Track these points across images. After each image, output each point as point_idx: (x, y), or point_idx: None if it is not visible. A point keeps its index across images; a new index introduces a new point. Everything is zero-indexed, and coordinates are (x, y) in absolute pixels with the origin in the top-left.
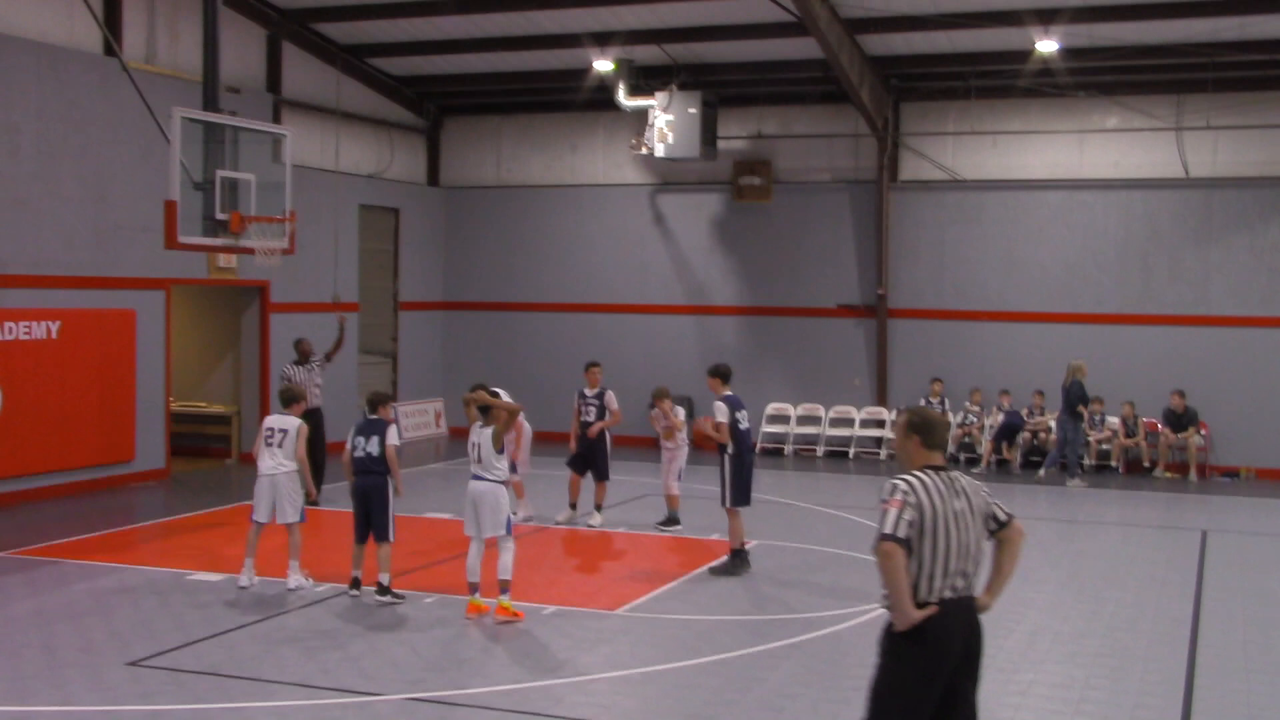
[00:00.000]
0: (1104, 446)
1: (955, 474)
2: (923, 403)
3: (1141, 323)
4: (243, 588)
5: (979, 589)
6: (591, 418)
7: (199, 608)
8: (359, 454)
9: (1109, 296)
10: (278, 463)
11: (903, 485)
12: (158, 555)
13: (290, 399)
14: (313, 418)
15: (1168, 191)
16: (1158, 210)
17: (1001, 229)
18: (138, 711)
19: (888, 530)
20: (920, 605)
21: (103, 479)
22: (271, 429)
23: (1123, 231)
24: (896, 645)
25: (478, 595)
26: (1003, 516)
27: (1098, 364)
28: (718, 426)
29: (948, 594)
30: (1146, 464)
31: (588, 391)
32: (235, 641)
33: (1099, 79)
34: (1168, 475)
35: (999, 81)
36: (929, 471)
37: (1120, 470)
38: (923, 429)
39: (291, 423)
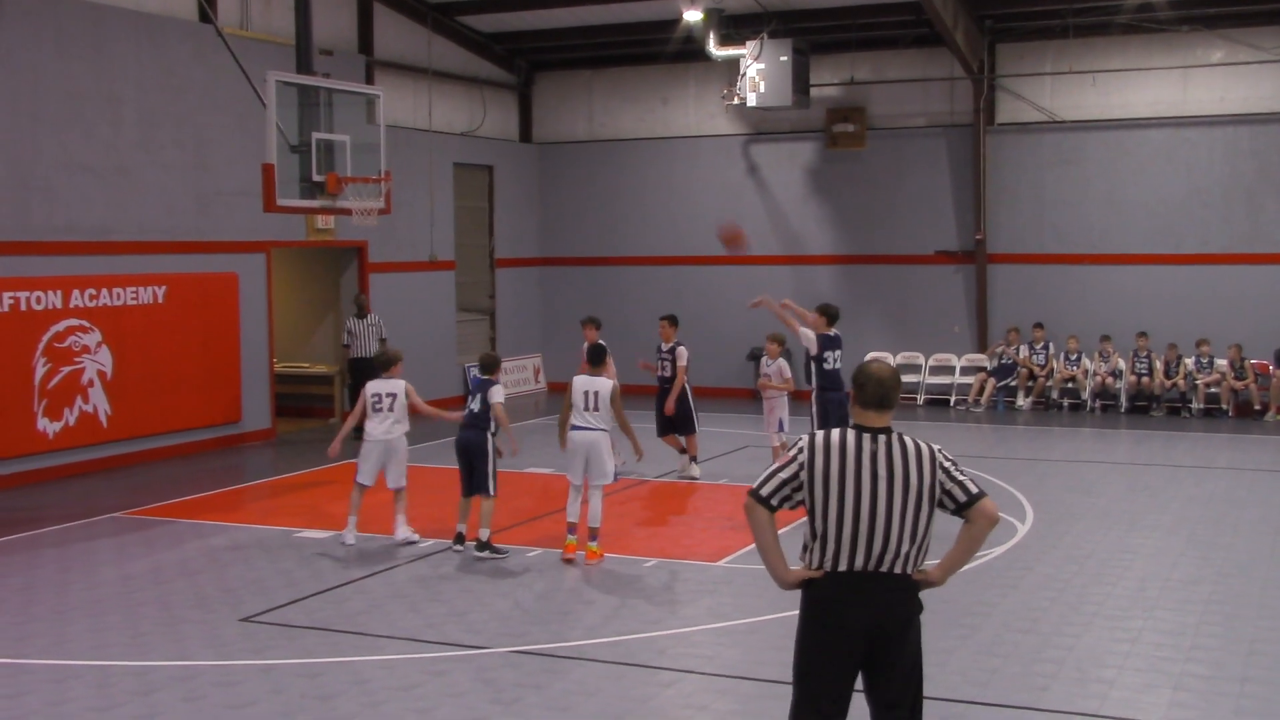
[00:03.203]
0: (1212, 390)
1: (895, 439)
2: (1024, 349)
3: (1249, 262)
4: (348, 545)
5: (909, 567)
6: (668, 373)
7: (307, 564)
8: (464, 410)
9: (1215, 236)
10: (388, 427)
11: (801, 442)
12: (266, 514)
13: (388, 362)
14: (367, 365)
15: (1276, 126)
16: (1266, 146)
17: (1102, 170)
18: (251, 665)
19: (754, 485)
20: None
21: (211, 440)
22: (378, 394)
23: (1229, 169)
24: (801, 612)
25: (574, 536)
26: (963, 497)
27: (1204, 305)
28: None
29: (856, 566)
30: (1257, 407)
31: (663, 346)
32: (343, 597)
33: (1202, 11)
34: (1279, 418)
35: (1097, 18)
36: (851, 431)
37: (1230, 413)
38: (858, 383)
39: (398, 385)
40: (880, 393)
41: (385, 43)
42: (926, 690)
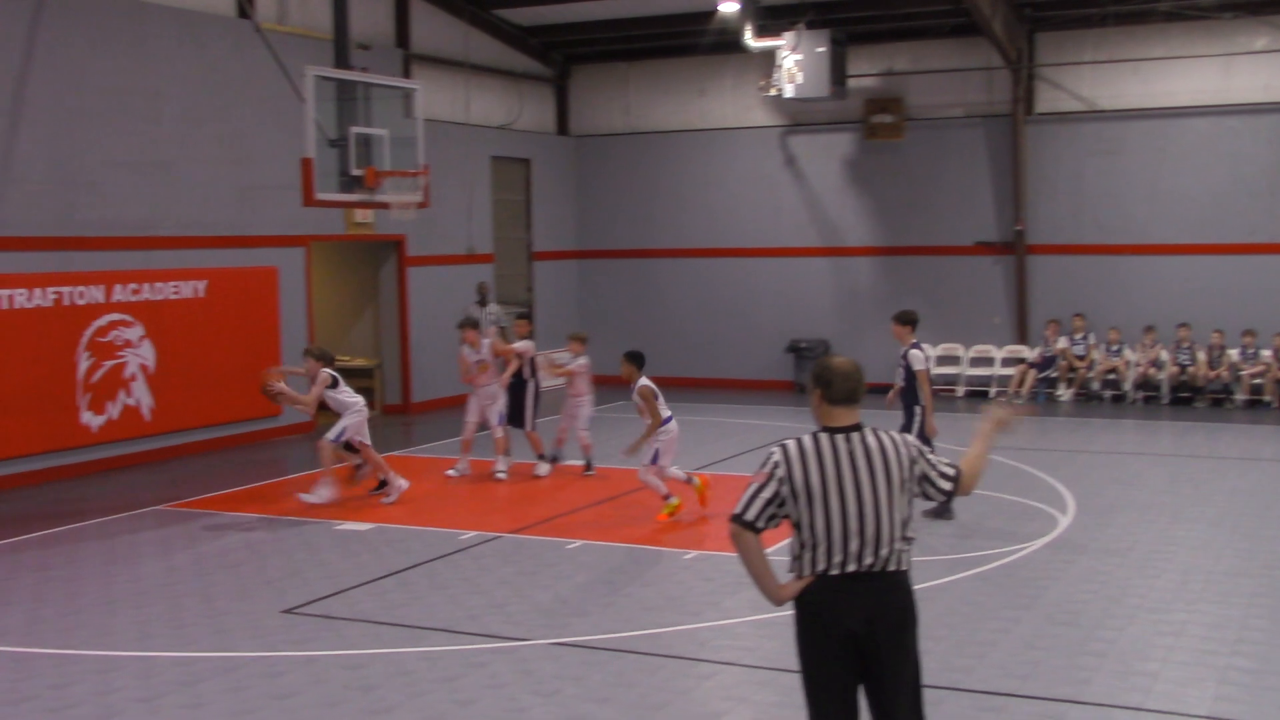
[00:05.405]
0: (1256, 380)
1: (870, 434)
2: (1064, 340)
3: None
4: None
5: (901, 562)
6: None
7: (348, 556)
8: None
9: (1260, 225)
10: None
11: (775, 456)
12: (307, 506)
13: None
14: None
15: None
16: None
17: (1144, 159)
18: (294, 657)
19: (736, 510)
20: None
21: (251, 433)
22: None
23: (1273, 157)
24: (796, 621)
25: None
26: (946, 486)
27: (1248, 296)
28: (917, 374)
29: (849, 569)
30: None
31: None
32: (385, 589)
33: None
34: None
35: (1138, 6)
36: (824, 434)
37: (1274, 404)
38: (823, 380)
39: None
40: (849, 387)
41: (422, 37)
42: (967, 683)
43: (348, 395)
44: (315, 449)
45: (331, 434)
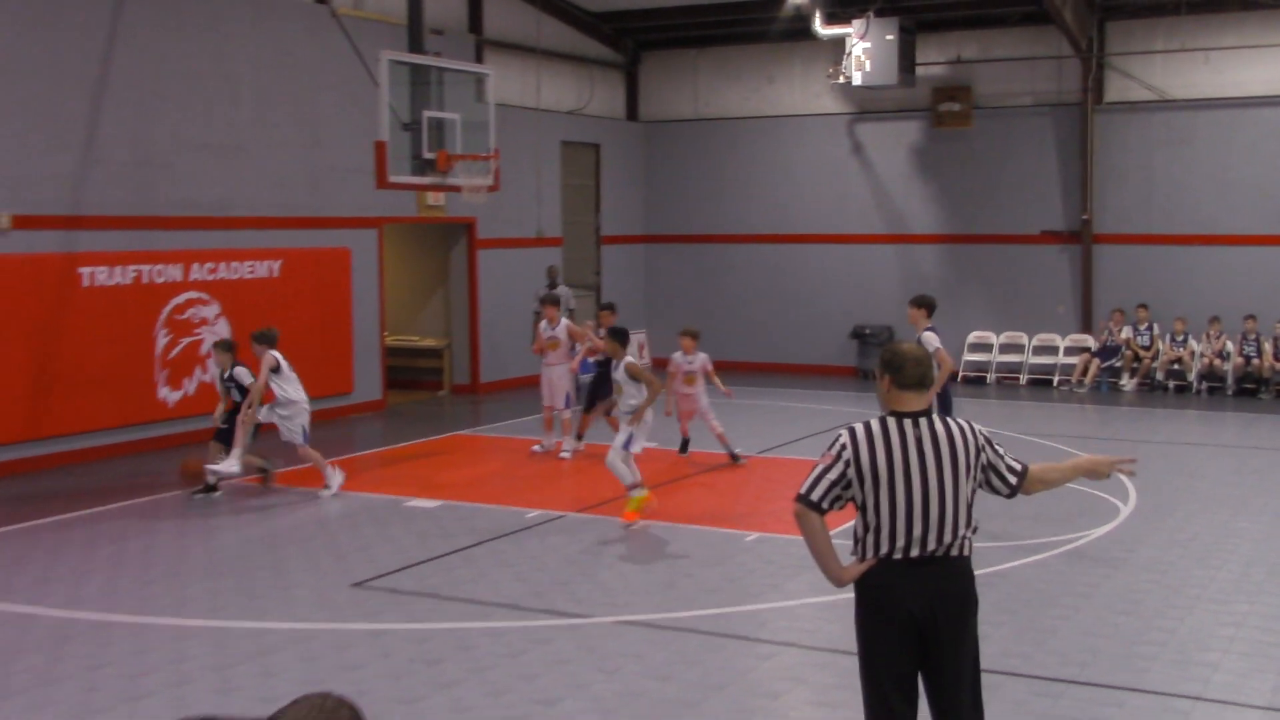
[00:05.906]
0: None
1: (937, 420)
2: (1128, 330)
3: None
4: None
5: (964, 549)
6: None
7: (416, 533)
8: None
9: None
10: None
11: (842, 438)
12: (377, 483)
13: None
14: None
15: None
16: None
17: (1214, 149)
18: (362, 630)
19: (801, 490)
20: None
21: (323, 410)
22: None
23: None
24: (857, 604)
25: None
26: (1013, 479)
27: None
28: (935, 354)
29: (912, 554)
30: None
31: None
32: (451, 565)
33: None
34: None
35: None
36: (891, 418)
37: None
38: (892, 366)
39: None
40: (920, 372)
41: (494, 22)
42: (1026, 669)
43: (294, 387)
44: (298, 455)
45: (300, 438)
